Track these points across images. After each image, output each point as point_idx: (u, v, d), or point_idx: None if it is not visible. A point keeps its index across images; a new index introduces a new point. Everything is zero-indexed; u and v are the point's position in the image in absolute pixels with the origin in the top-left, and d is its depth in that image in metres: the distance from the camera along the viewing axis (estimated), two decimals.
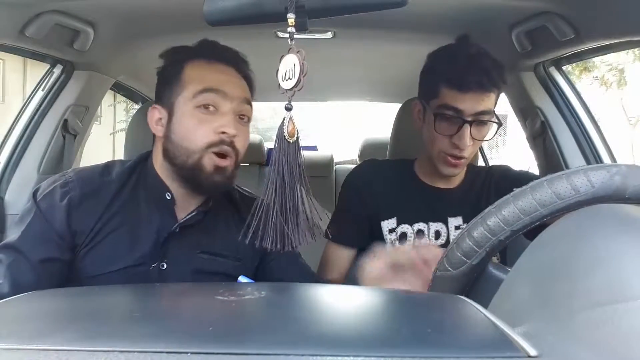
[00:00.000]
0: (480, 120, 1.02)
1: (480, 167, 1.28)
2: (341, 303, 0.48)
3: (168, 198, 0.91)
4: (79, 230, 0.86)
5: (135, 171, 0.93)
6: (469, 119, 1.01)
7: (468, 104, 1.00)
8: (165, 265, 0.89)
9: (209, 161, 0.86)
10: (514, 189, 0.51)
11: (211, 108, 0.87)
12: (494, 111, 1.03)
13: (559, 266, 0.39)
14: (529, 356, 0.30)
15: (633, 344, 0.29)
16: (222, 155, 0.87)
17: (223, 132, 0.85)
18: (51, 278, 0.85)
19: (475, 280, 0.54)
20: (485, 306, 0.44)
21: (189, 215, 0.92)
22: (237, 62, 0.94)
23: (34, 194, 0.88)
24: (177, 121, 0.88)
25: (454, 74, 1.01)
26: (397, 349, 0.31)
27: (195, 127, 0.86)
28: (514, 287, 0.44)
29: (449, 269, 0.53)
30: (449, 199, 1.15)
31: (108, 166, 0.93)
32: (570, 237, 0.42)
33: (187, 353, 0.29)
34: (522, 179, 1.16)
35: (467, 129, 1.01)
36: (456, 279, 0.53)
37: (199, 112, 0.86)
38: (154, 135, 0.95)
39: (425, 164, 1.16)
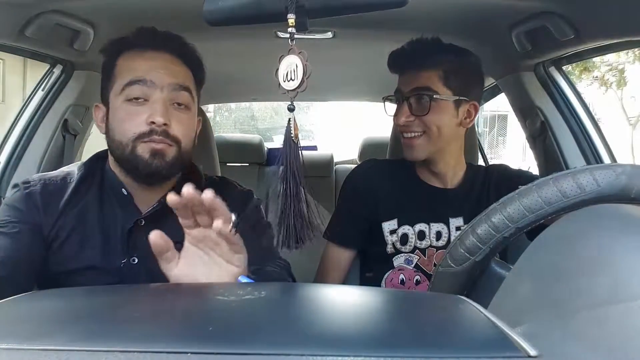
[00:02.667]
0: (417, 95, 1.09)
1: (479, 166, 1.27)
2: (341, 303, 0.48)
3: (125, 194, 0.91)
4: (43, 223, 0.87)
5: (95, 170, 0.94)
6: (407, 95, 1.10)
7: (405, 83, 1.12)
8: (136, 260, 0.89)
9: (143, 150, 0.85)
10: (520, 187, 0.51)
11: (140, 100, 0.85)
12: (435, 91, 1.08)
13: (560, 266, 0.38)
14: (529, 356, 0.30)
15: (633, 344, 0.29)
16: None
17: (152, 122, 0.84)
18: (28, 248, 0.85)
19: (477, 278, 0.54)
20: (487, 303, 0.44)
21: (152, 208, 0.91)
22: (173, 47, 0.90)
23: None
24: (111, 116, 0.88)
25: (395, 61, 1.14)
26: (397, 349, 0.31)
27: (125, 120, 0.85)
28: (514, 287, 0.44)
29: (452, 265, 0.53)
30: (449, 199, 1.15)
31: (72, 167, 0.96)
32: (571, 237, 0.42)
33: (187, 353, 0.29)
34: (522, 177, 1.17)
35: (404, 104, 1.10)
36: (459, 275, 0.53)
37: (128, 105, 0.85)
38: None
39: (423, 164, 1.16)
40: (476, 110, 1.14)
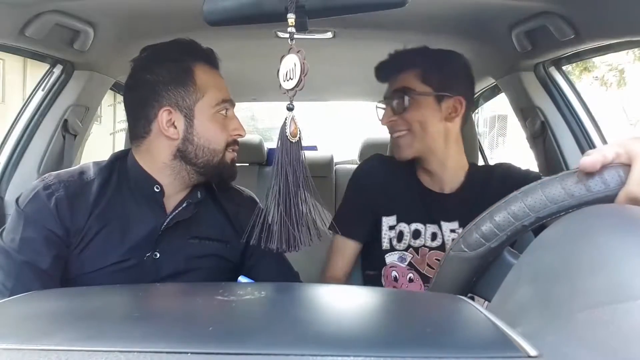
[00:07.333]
0: (395, 96, 1.15)
1: (482, 166, 1.27)
2: (341, 303, 0.48)
3: (157, 190, 0.94)
4: (72, 229, 0.87)
5: (114, 170, 0.96)
6: (388, 98, 1.18)
7: (388, 89, 1.20)
8: (158, 255, 0.92)
9: (228, 157, 0.98)
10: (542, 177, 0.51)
11: (224, 113, 0.97)
12: (412, 89, 1.14)
13: (560, 266, 0.38)
14: (529, 356, 0.30)
15: (633, 344, 0.29)
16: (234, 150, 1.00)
17: (239, 135, 0.99)
18: (57, 275, 0.87)
19: (488, 265, 0.53)
20: (495, 291, 0.44)
21: (180, 208, 0.95)
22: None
23: (17, 201, 0.89)
24: (200, 125, 0.94)
25: (379, 72, 1.22)
26: (397, 349, 0.31)
27: (218, 131, 0.96)
28: (514, 287, 0.44)
29: (465, 250, 0.53)
30: (443, 204, 1.15)
31: (84, 168, 0.95)
32: (571, 236, 0.42)
33: (187, 353, 0.29)
34: (528, 178, 1.16)
35: (387, 107, 1.17)
36: (470, 260, 0.53)
37: (218, 117, 0.96)
38: (136, 135, 0.96)
39: (420, 165, 1.18)
40: (462, 105, 1.14)
